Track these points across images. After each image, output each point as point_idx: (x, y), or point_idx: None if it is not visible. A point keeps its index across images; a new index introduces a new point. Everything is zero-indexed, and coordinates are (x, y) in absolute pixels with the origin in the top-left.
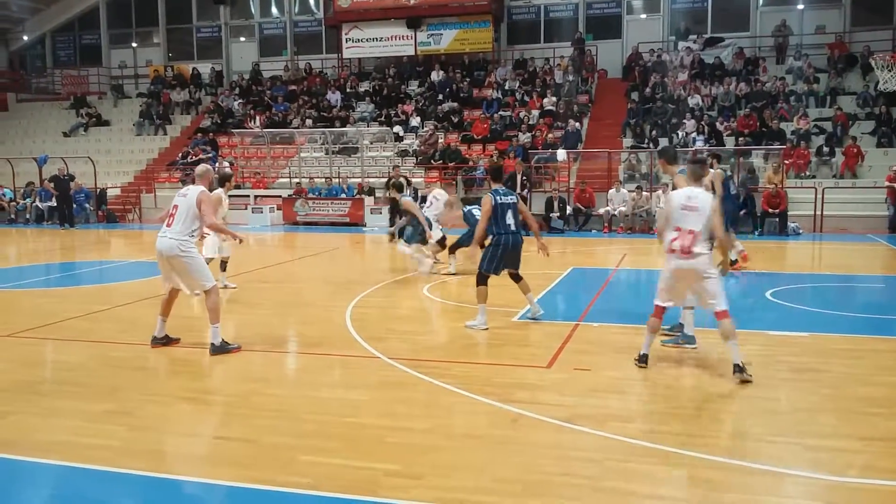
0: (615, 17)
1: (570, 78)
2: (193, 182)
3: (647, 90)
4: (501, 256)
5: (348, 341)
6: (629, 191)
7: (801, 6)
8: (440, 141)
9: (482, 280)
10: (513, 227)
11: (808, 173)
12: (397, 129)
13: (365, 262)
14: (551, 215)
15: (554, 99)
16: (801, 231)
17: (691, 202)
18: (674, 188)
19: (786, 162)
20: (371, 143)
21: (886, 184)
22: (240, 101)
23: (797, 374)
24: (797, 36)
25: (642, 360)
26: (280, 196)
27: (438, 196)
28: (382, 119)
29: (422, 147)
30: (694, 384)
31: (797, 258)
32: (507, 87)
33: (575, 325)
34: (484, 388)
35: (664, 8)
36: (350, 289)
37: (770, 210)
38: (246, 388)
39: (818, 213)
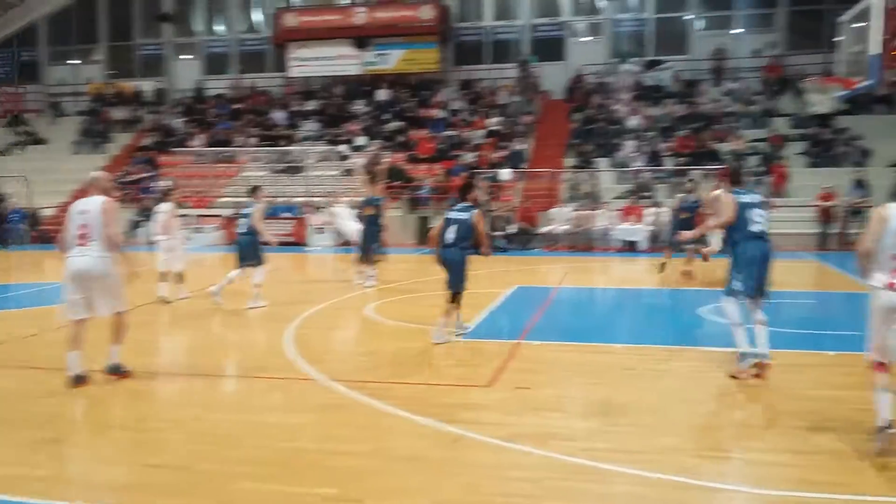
0: (559, 39)
1: (515, 99)
2: (91, 194)
3: (590, 111)
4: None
5: (288, 363)
6: (572, 210)
7: (737, 30)
8: (386, 160)
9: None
10: (450, 241)
11: None
12: (343, 148)
13: (307, 282)
14: (495, 234)
15: (499, 119)
16: None
17: None
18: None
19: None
20: (316, 163)
21: (816, 202)
22: (182, 119)
23: (731, 390)
24: (734, 59)
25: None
26: (222, 216)
27: (338, 212)
28: (328, 138)
29: (367, 166)
30: (633, 400)
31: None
32: (453, 108)
33: (517, 343)
34: (426, 409)
35: (606, 31)
36: (291, 309)
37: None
38: (182, 413)
39: None
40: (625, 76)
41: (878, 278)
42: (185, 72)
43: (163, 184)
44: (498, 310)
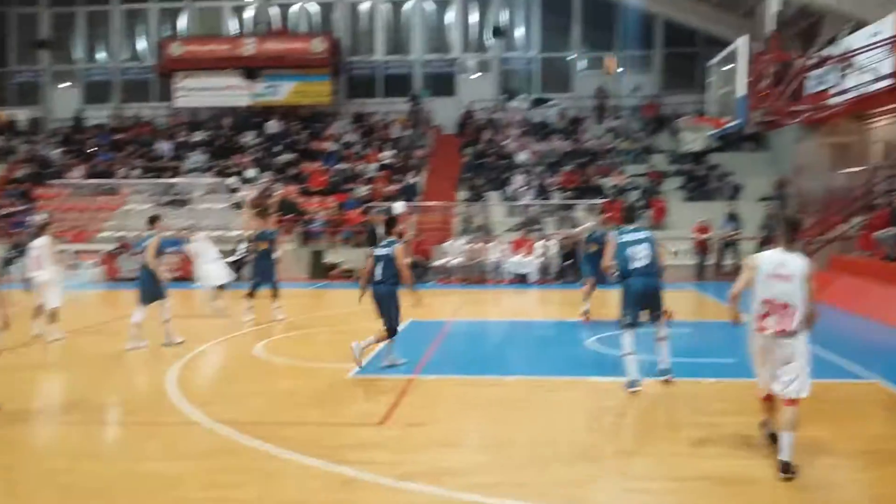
0: (450, 75)
1: (408, 133)
2: None
3: (480, 146)
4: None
5: (171, 407)
6: (465, 242)
7: (617, 70)
8: (277, 193)
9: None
10: (377, 279)
11: None
12: (232, 180)
13: (193, 320)
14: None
15: (392, 153)
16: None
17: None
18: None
19: (606, 215)
20: (203, 195)
21: (692, 235)
22: (60, 150)
23: (617, 419)
24: (615, 98)
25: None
26: (102, 251)
27: (196, 249)
28: (216, 170)
29: (257, 199)
30: (524, 432)
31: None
32: (345, 140)
33: (410, 378)
34: (316, 450)
35: (495, 69)
36: (175, 349)
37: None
38: (55, 464)
39: None
40: (513, 112)
41: (752, 321)
42: (64, 100)
43: (38, 217)
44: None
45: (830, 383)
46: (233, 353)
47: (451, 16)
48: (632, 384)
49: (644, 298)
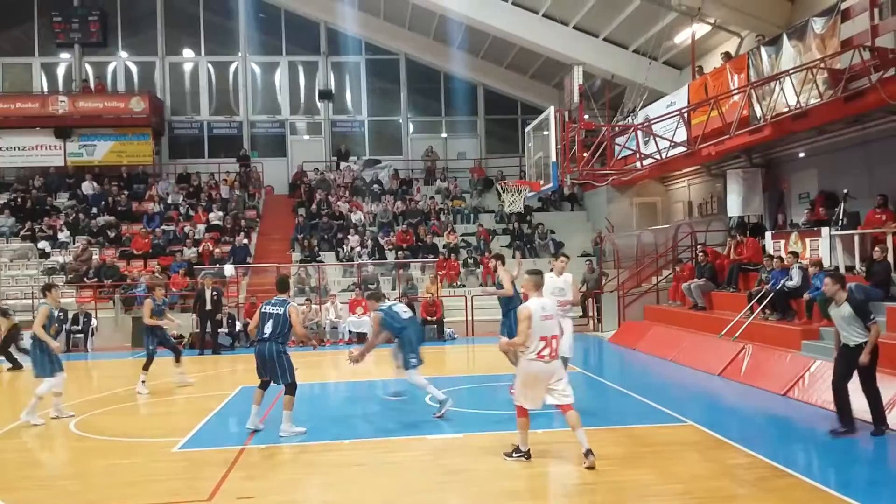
0: (280, 136)
1: (237, 193)
2: None
3: (313, 206)
4: (258, 362)
5: None
6: (299, 304)
7: (444, 135)
8: (95, 257)
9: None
10: (265, 335)
11: (458, 283)
12: (43, 244)
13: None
14: (219, 331)
15: (220, 213)
16: (456, 336)
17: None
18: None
19: (440, 273)
20: (11, 261)
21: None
22: None
23: (450, 476)
24: (443, 160)
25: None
26: None
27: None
28: (25, 233)
29: (74, 263)
30: (363, 497)
31: (454, 362)
32: (170, 201)
33: (241, 449)
34: None
35: (325, 131)
36: None
37: (428, 318)
38: None
39: (469, 318)
40: (345, 173)
41: (530, 352)
42: None
43: None
44: (220, 414)
45: (649, 428)
46: (44, 431)
47: (278, 78)
48: (442, 403)
49: (420, 341)
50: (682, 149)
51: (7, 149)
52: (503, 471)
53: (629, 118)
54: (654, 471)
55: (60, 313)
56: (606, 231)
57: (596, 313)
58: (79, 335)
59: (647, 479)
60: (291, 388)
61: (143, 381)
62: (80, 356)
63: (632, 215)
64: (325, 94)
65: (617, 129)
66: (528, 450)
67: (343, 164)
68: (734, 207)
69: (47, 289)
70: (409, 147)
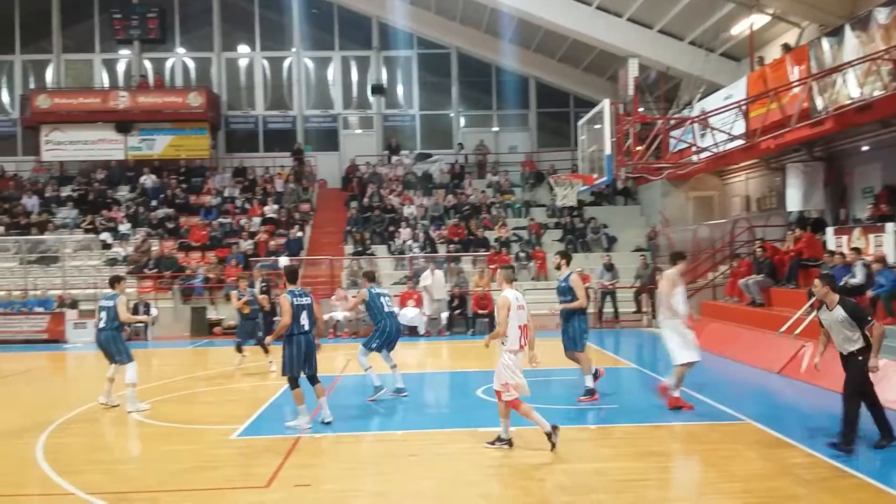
0: (332, 130)
1: (291, 186)
2: None
3: (366, 200)
4: (299, 356)
5: (39, 478)
6: (352, 296)
7: (495, 129)
8: (154, 248)
9: (294, 383)
10: (307, 328)
11: None
12: (105, 236)
13: (66, 384)
14: (274, 319)
15: (275, 207)
16: None
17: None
18: None
19: (490, 267)
20: (74, 252)
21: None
22: None
23: (501, 469)
24: (494, 154)
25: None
26: None
27: None
28: (88, 226)
29: (134, 255)
30: (416, 488)
31: None
32: (226, 194)
33: (297, 438)
34: None
35: (377, 125)
36: (45, 415)
37: (479, 311)
38: None
39: None
40: (396, 167)
41: (511, 342)
42: None
43: None
44: (275, 404)
45: (706, 425)
46: (108, 417)
47: (331, 73)
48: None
49: (396, 336)
50: (740, 142)
51: (70, 143)
52: (553, 464)
53: (685, 111)
54: (711, 469)
55: (142, 305)
56: (661, 225)
57: (651, 309)
58: (139, 325)
59: (704, 476)
60: (317, 381)
61: (271, 361)
62: (140, 345)
63: (687, 209)
64: (378, 89)
65: (672, 121)
66: (546, 435)
67: (395, 158)
68: (794, 202)
69: (116, 280)
70: (460, 141)
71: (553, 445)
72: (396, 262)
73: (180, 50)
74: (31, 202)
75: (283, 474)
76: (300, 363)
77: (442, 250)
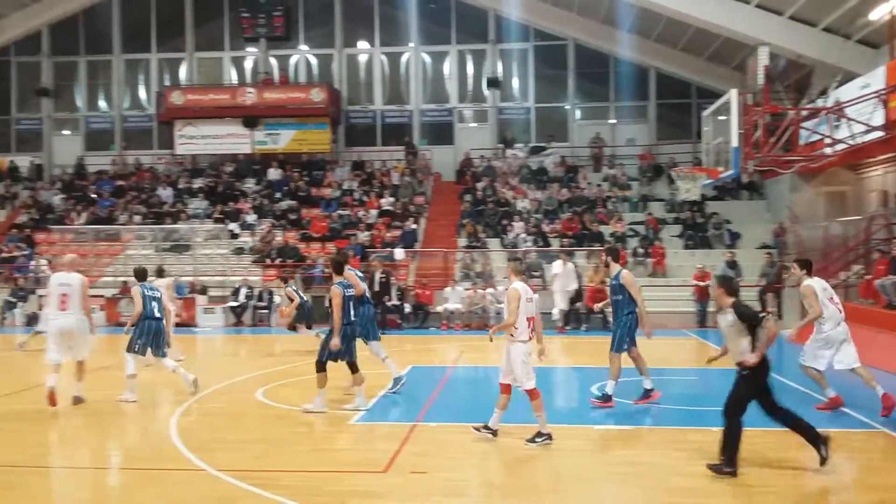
0: (447, 124)
1: (407, 180)
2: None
3: (479, 193)
4: (348, 346)
5: (172, 454)
6: (465, 289)
7: (612, 121)
8: (278, 239)
9: (321, 367)
10: (354, 318)
11: None
12: (232, 226)
13: (196, 366)
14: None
15: (391, 199)
16: None
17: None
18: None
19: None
20: (205, 241)
21: (693, 282)
22: (61, 196)
23: (617, 468)
24: (611, 147)
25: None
26: (104, 296)
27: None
28: (217, 216)
29: (259, 244)
30: (528, 482)
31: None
32: (345, 187)
33: (413, 425)
34: (316, 498)
35: (492, 118)
36: (177, 396)
37: (594, 307)
38: None
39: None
40: (511, 160)
41: (521, 333)
42: (65, 147)
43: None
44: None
45: (839, 432)
46: (233, 398)
47: (447, 67)
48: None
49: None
50: (878, 134)
51: (202, 137)
52: (670, 466)
53: (818, 101)
54: (844, 478)
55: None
56: (789, 222)
57: (777, 309)
58: (264, 311)
59: (836, 485)
60: (357, 369)
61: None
62: (265, 330)
63: (818, 205)
64: (493, 82)
65: (804, 112)
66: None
67: (509, 152)
68: None
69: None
70: (575, 133)
71: (534, 441)
72: (509, 256)
73: (303, 47)
74: (165, 193)
75: (400, 460)
76: (343, 352)
77: (555, 244)
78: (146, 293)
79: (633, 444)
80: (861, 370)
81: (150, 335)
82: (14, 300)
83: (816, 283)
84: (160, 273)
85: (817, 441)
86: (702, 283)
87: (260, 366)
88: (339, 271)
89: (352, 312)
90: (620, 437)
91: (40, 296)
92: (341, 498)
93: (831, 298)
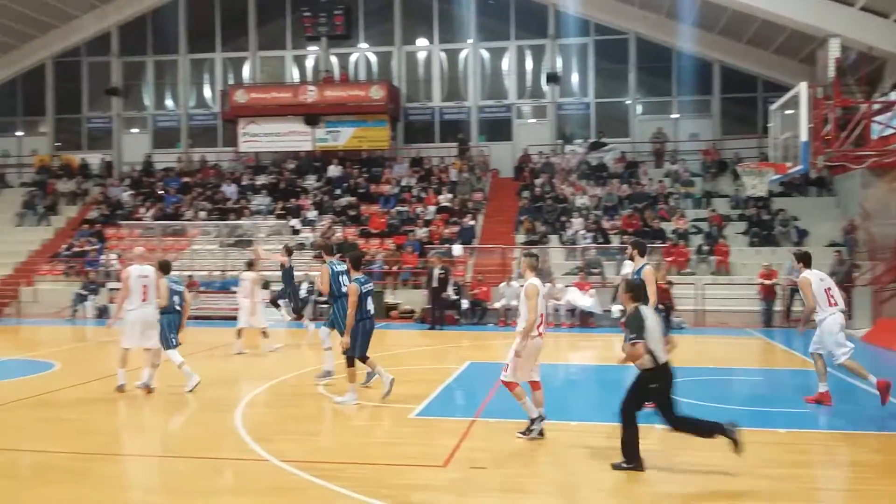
0: (506, 120)
1: (465, 176)
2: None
3: (538, 189)
4: (366, 340)
5: (237, 443)
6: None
7: (675, 115)
8: (338, 234)
9: (352, 363)
10: (372, 312)
11: (688, 270)
12: (294, 222)
13: (259, 358)
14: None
15: (449, 196)
16: (685, 325)
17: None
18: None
19: (667, 259)
20: (267, 236)
21: (758, 280)
22: (130, 192)
23: (685, 468)
24: (673, 142)
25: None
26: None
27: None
28: (280, 212)
29: (320, 240)
30: (588, 479)
31: (681, 352)
32: (403, 184)
33: (471, 421)
34: (378, 490)
35: (551, 114)
36: (242, 387)
37: (659, 306)
38: (125, 496)
39: (700, 308)
40: (570, 157)
41: (525, 330)
42: (134, 145)
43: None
44: (451, 386)
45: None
46: (299, 391)
47: (506, 63)
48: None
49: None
50: None
51: (265, 135)
52: (741, 468)
53: (891, 94)
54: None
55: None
56: (860, 219)
57: (848, 308)
58: (323, 305)
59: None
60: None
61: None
62: (320, 325)
63: (891, 202)
64: (553, 78)
65: (877, 106)
66: (539, 414)
67: (568, 147)
68: None
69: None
70: (636, 129)
71: (530, 431)
72: (567, 253)
73: (363, 45)
74: (229, 189)
75: (460, 455)
76: (364, 346)
77: (615, 241)
78: (172, 287)
79: (696, 445)
80: (849, 363)
81: (174, 326)
82: (85, 293)
83: (813, 275)
84: (250, 266)
85: (723, 430)
86: (767, 282)
87: (321, 359)
88: (357, 266)
89: (370, 307)
90: (680, 438)
91: (111, 289)
92: (403, 492)
93: (828, 290)
